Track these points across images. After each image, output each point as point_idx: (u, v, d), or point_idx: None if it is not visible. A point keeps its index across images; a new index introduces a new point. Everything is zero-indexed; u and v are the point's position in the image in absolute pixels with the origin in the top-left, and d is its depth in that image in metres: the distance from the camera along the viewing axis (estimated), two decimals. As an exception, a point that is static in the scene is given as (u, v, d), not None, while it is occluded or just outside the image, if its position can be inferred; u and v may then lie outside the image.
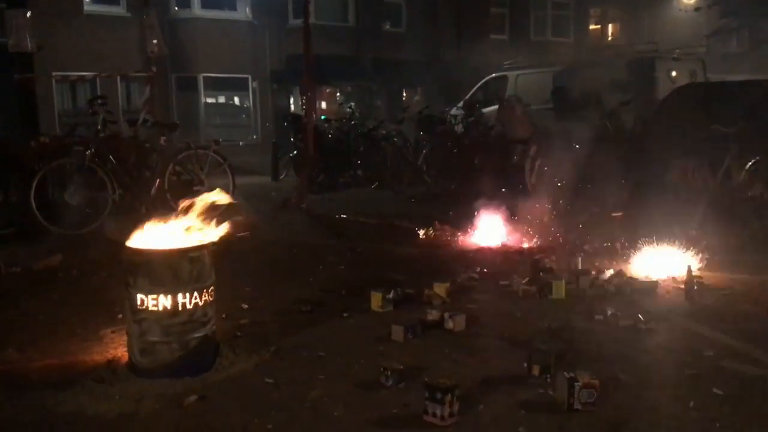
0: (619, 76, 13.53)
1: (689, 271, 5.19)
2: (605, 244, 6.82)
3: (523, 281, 5.31)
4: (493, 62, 18.18)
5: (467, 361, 3.92)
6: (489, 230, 7.35)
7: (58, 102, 18.49)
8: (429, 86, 25.33)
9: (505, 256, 6.58)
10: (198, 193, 7.82)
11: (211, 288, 3.77)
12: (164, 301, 3.60)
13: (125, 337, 4.28)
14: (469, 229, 7.48)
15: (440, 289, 5.12)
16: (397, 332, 4.26)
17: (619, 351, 4.07)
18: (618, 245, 6.79)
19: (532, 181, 8.76)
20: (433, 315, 4.53)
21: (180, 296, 3.61)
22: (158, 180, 7.78)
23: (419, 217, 8.47)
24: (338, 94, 26.43)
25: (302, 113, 15.70)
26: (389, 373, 3.56)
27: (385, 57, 24.26)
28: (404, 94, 27.51)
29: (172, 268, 3.61)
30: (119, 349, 4.17)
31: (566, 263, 5.89)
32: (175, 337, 3.63)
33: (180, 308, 3.62)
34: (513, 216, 7.77)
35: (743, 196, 7.49)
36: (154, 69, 9.23)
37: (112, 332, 4.50)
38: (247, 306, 5.02)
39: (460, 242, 7.19)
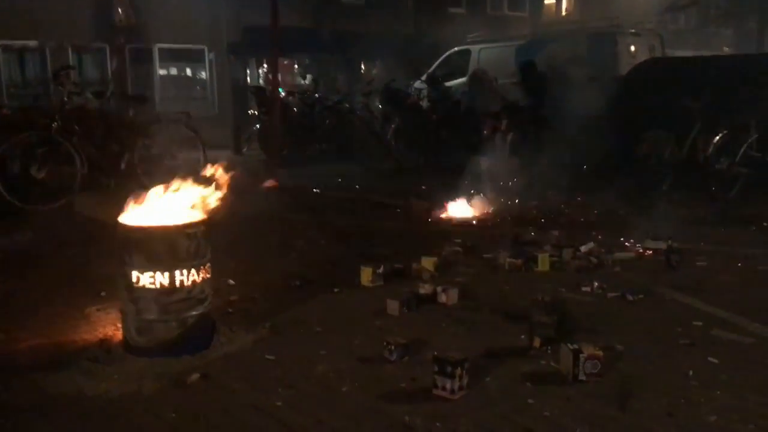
0: (581, 50, 13.67)
1: (669, 243, 5.31)
2: (580, 218, 6.93)
3: (508, 254, 5.35)
4: (451, 36, 18.11)
5: (466, 335, 3.94)
6: (465, 204, 7.39)
7: (5, 73, 17.77)
8: (387, 59, 25.20)
9: (485, 229, 6.61)
10: (169, 168, 7.74)
11: (208, 264, 3.69)
12: (161, 279, 3.51)
13: (112, 315, 4.20)
14: (445, 204, 7.50)
15: (428, 263, 5.12)
16: (393, 306, 4.25)
17: (611, 322, 4.14)
18: (592, 217, 6.92)
19: (504, 155, 8.79)
20: (425, 289, 4.54)
21: (177, 273, 3.53)
22: (127, 154, 7.56)
23: (393, 192, 8.46)
24: (296, 66, 26.12)
25: (264, 85, 15.53)
26: (393, 347, 3.55)
27: (343, 29, 24.01)
28: (363, 67, 27.35)
29: (170, 244, 3.52)
30: (109, 328, 4.07)
31: (546, 236, 5.96)
32: (174, 315, 3.55)
33: (178, 285, 3.53)
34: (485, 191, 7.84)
35: (710, 169, 7.67)
36: (122, 39, 8.91)
37: (98, 310, 4.38)
38: (234, 282, 4.94)
39: (438, 216, 7.19)
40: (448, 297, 4.43)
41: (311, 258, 5.68)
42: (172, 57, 21.42)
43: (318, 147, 12.94)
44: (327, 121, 13.00)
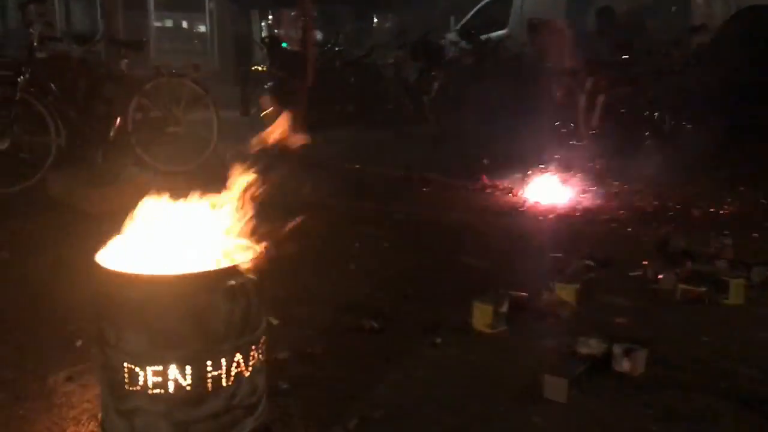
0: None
1: None
2: (720, 210, 5.25)
3: (674, 276, 3.66)
4: None
5: (706, 454, 2.27)
6: (556, 190, 5.72)
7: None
8: (401, 13, 23.27)
9: (605, 227, 4.91)
10: (172, 135, 6.01)
11: (262, 340, 2.00)
12: (179, 377, 1.82)
13: (92, 393, 2.55)
14: (527, 187, 5.82)
15: (567, 292, 3.44)
16: (557, 388, 2.57)
17: None
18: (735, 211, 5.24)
19: (591, 123, 7.06)
20: (590, 347, 2.86)
21: (210, 365, 1.83)
22: (118, 118, 5.77)
23: (450, 168, 6.74)
24: (302, 18, 24.08)
25: (278, 36, 13.71)
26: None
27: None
28: (375, 21, 25.37)
29: (195, 312, 1.82)
30: (85, 425, 2.39)
31: (710, 243, 4.24)
32: (201, 441, 1.87)
33: (211, 388, 1.84)
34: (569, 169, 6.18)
35: None
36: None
37: (68, 380, 2.72)
38: (278, 321, 3.25)
39: (525, 205, 5.49)
40: (633, 364, 2.75)
41: (378, 273, 3.99)
42: (168, 6, 19.49)
43: (339, 109, 11.19)
44: (352, 79, 11.24)
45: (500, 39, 11.76)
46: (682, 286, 3.56)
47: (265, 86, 11.77)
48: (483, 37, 11.61)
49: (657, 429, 2.40)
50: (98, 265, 1.88)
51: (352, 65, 11.50)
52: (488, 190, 5.95)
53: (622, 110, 6.75)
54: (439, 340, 3.08)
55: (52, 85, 5.59)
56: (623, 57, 7.30)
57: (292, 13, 22.10)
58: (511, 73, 9.11)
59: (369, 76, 11.17)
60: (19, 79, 5.32)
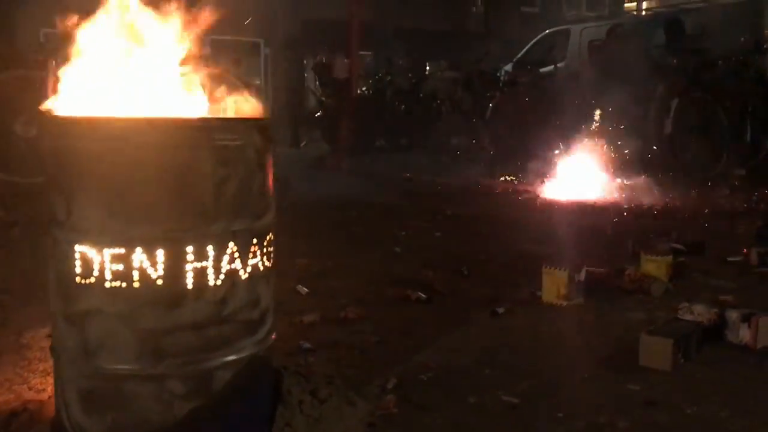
0: (713, 25, 11.25)
1: None
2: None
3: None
4: (522, 37, 16.03)
5: None
6: (627, 192, 5.14)
7: None
8: (453, 59, 23.13)
9: (686, 222, 4.27)
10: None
11: (269, 234, 1.48)
12: (146, 265, 1.31)
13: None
14: (594, 190, 5.24)
15: (658, 265, 2.83)
16: (657, 351, 1.97)
17: None
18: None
19: (666, 130, 6.42)
20: (695, 313, 2.24)
21: (191, 251, 1.32)
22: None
23: (506, 183, 6.20)
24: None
25: (327, 63, 13.65)
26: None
27: (407, 26, 22.04)
28: (427, 67, 25.27)
29: (171, 174, 1.32)
30: (51, 378, 1.91)
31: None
32: (176, 361, 1.34)
33: (190, 285, 1.32)
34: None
35: None
36: None
37: (49, 336, 2.23)
38: (307, 290, 2.73)
39: (593, 205, 4.90)
40: (756, 333, 2.13)
41: (427, 255, 3.43)
42: (225, 49, 19.74)
43: (388, 136, 10.87)
44: (402, 107, 10.93)
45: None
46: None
47: (316, 115, 11.64)
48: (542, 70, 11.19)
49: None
50: (44, 116, 1.41)
51: (405, 94, 11.22)
52: (547, 193, 5.37)
53: (698, 117, 6.14)
54: (501, 310, 2.51)
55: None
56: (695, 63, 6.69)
57: (345, 60, 22.28)
58: (567, 93, 8.59)
59: (421, 104, 10.83)
60: (52, 62, 5.03)
